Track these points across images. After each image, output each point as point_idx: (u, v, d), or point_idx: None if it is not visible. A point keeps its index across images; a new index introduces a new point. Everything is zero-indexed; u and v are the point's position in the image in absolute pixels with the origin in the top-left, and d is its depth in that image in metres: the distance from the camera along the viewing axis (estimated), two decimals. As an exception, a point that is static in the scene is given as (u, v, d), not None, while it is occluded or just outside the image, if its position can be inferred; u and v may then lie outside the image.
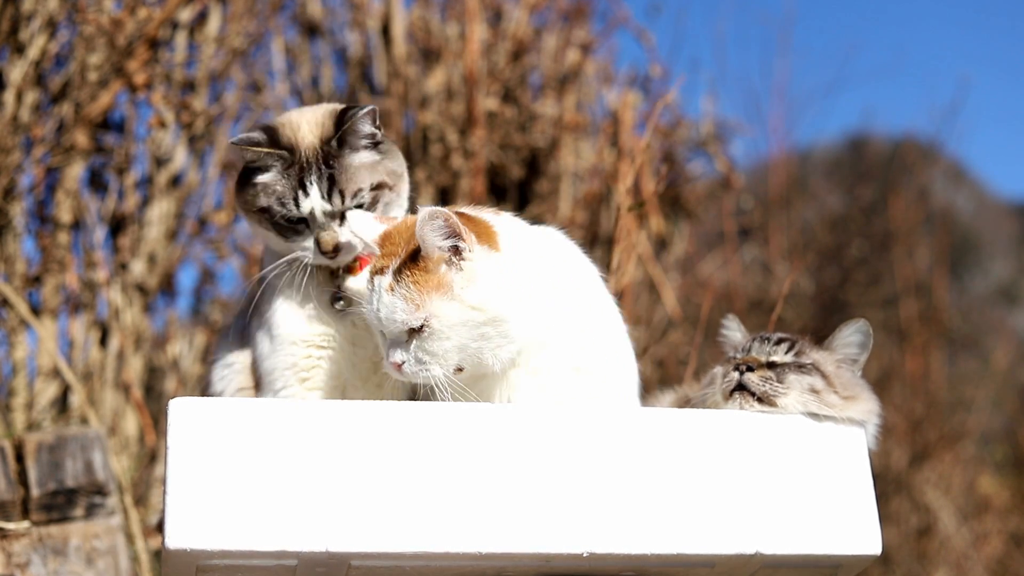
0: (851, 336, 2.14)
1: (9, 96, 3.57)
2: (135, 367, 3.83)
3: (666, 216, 4.73)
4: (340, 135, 2.18)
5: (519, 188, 4.49)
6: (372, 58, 4.53)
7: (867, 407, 2.09)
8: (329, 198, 2.15)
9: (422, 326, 1.93)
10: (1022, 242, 16.76)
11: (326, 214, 2.15)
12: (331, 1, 4.63)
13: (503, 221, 2.06)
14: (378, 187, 2.19)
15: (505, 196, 4.42)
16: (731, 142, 5.28)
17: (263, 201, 2.17)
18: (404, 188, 2.27)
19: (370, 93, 4.47)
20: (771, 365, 2.10)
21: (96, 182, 3.93)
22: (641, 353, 3.92)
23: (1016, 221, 17.31)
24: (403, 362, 1.96)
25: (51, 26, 3.64)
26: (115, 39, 3.65)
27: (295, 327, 2.20)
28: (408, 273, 1.94)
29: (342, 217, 2.16)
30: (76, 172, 3.77)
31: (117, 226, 3.90)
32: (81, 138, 3.71)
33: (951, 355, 8.23)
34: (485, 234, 1.98)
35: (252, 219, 2.22)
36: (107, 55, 3.70)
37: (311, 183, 2.14)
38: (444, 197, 4.31)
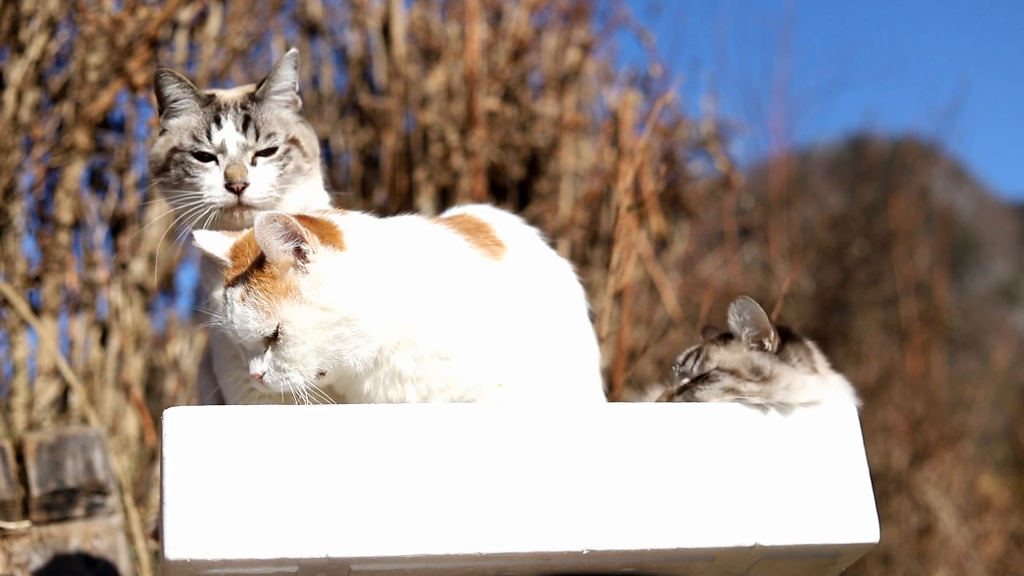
0: (738, 318, 2.11)
1: (9, 96, 3.57)
2: (135, 367, 3.83)
3: (666, 216, 4.73)
4: (261, 89, 2.19)
5: (519, 188, 4.49)
6: (372, 58, 4.53)
7: (787, 381, 2.06)
8: (244, 131, 2.13)
9: (276, 333, 1.91)
10: (1022, 242, 16.76)
11: (239, 146, 2.13)
12: (331, 1, 4.64)
13: (349, 220, 2.03)
14: (292, 142, 2.17)
15: (505, 196, 4.42)
16: (731, 142, 5.28)
17: (175, 141, 2.14)
18: (317, 166, 2.25)
19: (370, 92, 4.47)
20: (682, 389, 2.10)
21: (96, 182, 3.92)
22: (641, 352, 3.93)
23: (1016, 221, 17.32)
24: (264, 372, 1.93)
25: (51, 26, 3.64)
26: (115, 39, 3.65)
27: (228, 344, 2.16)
28: (256, 281, 1.92)
29: (253, 165, 2.13)
30: (76, 172, 3.77)
31: (117, 226, 3.90)
32: (81, 138, 3.71)
33: (951, 355, 8.22)
34: (329, 234, 1.96)
35: (162, 175, 2.17)
36: (107, 55, 3.70)
37: (226, 118, 2.14)
38: (444, 197, 4.31)
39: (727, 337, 2.13)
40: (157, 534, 2.57)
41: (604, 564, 1.96)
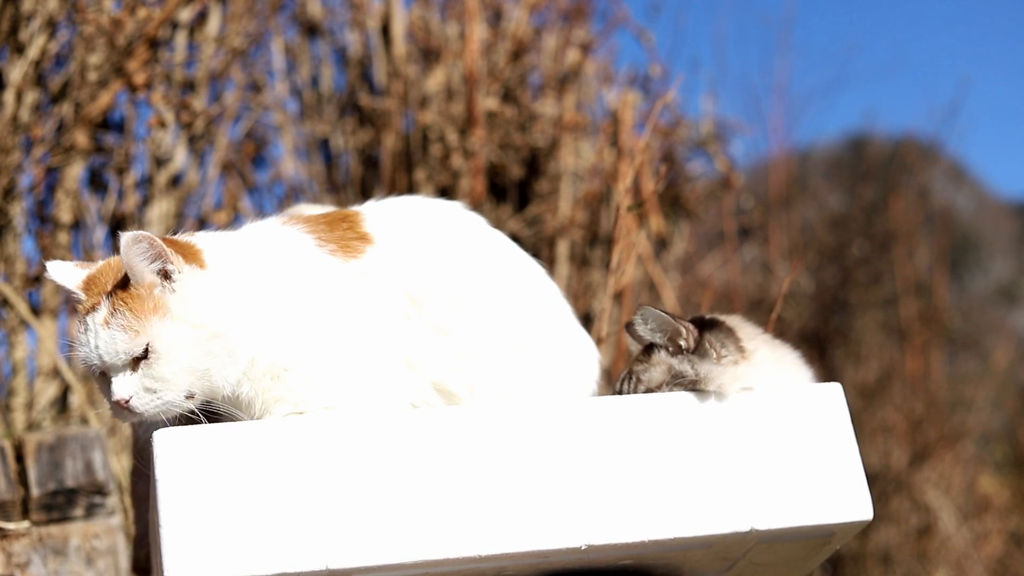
0: (645, 327, 2.10)
1: (9, 96, 3.57)
2: (135, 367, 3.82)
3: (666, 216, 4.73)
4: None
5: (519, 188, 4.49)
6: (372, 58, 4.53)
7: (718, 381, 2.04)
8: None
9: (146, 351, 1.88)
10: (1022, 242, 16.78)
11: None
12: (331, 1, 4.64)
13: (205, 239, 2.01)
14: None
15: (505, 196, 4.42)
16: (731, 142, 5.29)
17: None
18: None
19: (370, 92, 4.47)
20: None
21: (96, 182, 3.92)
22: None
23: (1016, 221, 17.34)
24: (131, 396, 1.89)
25: (51, 26, 3.64)
26: (115, 39, 3.65)
27: None
28: (122, 303, 1.89)
29: None
30: (76, 172, 3.77)
31: (117, 226, 3.90)
32: (81, 138, 3.71)
33: (951, 355, 8.22)
34: (190, 254, 1.95)
35: None
36: (107, 55, 3.70)
37: None
38: (444, 196, 4.30)
39: (649, 348, 2.12)
40: (138, 566, 2.57)
41: (603, 559, 1.97)
